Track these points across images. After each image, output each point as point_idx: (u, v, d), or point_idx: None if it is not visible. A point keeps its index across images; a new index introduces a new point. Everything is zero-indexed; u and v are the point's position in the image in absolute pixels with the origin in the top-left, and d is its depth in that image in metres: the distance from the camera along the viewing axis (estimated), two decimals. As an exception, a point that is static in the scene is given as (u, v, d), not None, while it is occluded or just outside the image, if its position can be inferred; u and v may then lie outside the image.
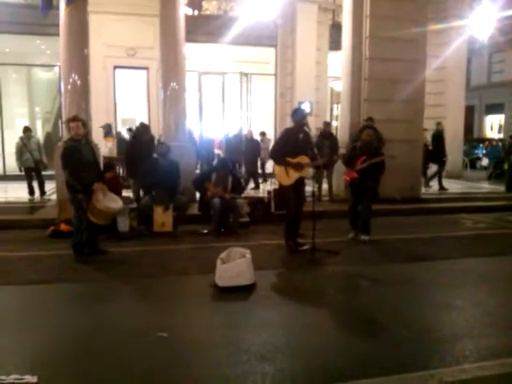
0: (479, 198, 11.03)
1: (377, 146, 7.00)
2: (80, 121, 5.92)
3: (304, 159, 6.12)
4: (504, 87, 22.77)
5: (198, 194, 8.18)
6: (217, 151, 14.66)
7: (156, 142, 8.88)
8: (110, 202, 5.98)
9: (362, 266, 5.71)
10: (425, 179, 12.20)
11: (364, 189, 6.77)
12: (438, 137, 12.29)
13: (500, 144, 17.43)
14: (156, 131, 11.83)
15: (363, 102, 10.24)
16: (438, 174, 12.24)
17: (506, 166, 12.87)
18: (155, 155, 7.78)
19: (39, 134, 15.12)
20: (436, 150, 12.19)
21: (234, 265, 4.68)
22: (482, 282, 5.10)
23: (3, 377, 2.82)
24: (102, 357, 3.27)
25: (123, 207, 6.54)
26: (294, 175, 6.10)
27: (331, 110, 17.38)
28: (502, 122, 20.17)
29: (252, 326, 3.80)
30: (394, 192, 9.72)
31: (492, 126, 21.96)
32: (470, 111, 21.79)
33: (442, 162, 12.25)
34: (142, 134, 8.70)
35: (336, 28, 14.04)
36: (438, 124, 12.50)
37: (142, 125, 9.02)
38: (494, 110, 23.89)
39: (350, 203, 7.03)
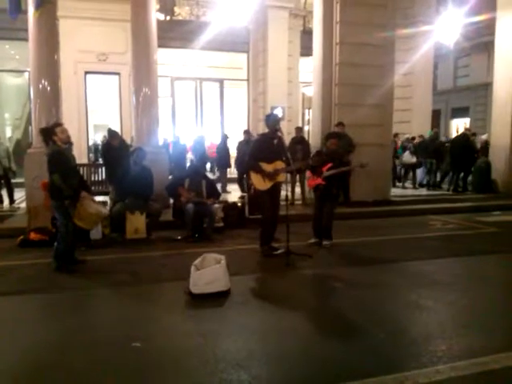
0: (448, 200, 11.32)
1: (342, 152, 7.06)
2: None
3: (279, 164, 6.18)
4: (469, 91, 23.43)
5: (171, 200, 8.15)
6: (189, 156, 14.66)
7: (131, 148, 8.83)
8: (98, 206, 6.12)
9: (336, 268, 5.79)
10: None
11: (328, 195, 6.81)
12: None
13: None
14: (128, 137, 11.78)
15: (334, 107, 10.41)
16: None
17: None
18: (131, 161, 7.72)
19: (8, 140, 14.77)
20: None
21: (209, 271, 4.67)
22: (452, 282, 5.21)
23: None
24: (75, 368, 3.22)
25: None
26: (270, 181, 6.17)
27: (303, 114, 17.60)
28: (468, 126, 20.75)
29: (227, 333, 3.80)
30: (365, 195, 9.92)
31: (458, 129, 22.54)
32: (436, 115, 22.36)
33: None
34: (111, 139, 8.63)
35: (307, 34, 14.23)
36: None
37: (110, 131, 8.94)
38: (459, 113, 24.54)
39: (315, 209, 6.97)
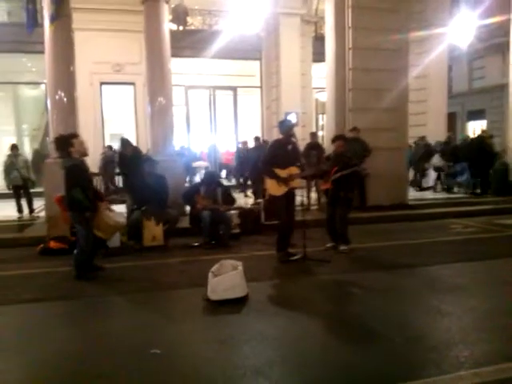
0: (467, 203, 11.18)
1: (349, 156, 6.96)
2: None
3: (293, 170, 6.17)
4: (485, 93, 23.14)
5: (188, 208, 8.20)
6: (204, 164, 14.80)
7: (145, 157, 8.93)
8: (116, 216, 6.28)
9: (354, 274, 5.74)
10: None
11: (337, 199, 6.75)
12: None
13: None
14: (144, 146, 11.90)
15: (348, 112, 10.39)
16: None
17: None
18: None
19: (27, 151, 15.06)
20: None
21: (227, 277, 4.68)
22: (474, 286, 5.14)
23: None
24: (95, 375, 3.24)
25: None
26: (285, 186, 6.16)
27: (317, 120, 17.58)
28: (485, 128, 20.48)
29: (246, 340, 3.79)
30: (381, 199, 9.86)
31: (474, 132, 22.26)
32: (452, 118, 22.10)
33: None
34: (123, 148, 8.73)
35: (319, 40, 14.26)
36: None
37: (122, 140, 9.03)
38: (475, 116, 24.22)
39: (328, 214, 6.93)
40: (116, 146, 13.83)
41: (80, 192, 5.43)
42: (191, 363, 3.40)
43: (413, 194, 12.20)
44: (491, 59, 22.23)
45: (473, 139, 13.50)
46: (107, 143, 15.16)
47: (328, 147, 10.55)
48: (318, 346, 3.67)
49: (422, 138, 13.95)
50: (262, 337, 3.83)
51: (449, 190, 13.22)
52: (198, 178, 14.34)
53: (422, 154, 13.50)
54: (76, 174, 5.51)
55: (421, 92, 15.88)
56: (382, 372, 3.17)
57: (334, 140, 6.99)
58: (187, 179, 12.50)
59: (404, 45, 10.45)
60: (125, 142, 8.79)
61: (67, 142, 5.58)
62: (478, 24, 15.69)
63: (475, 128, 22.99)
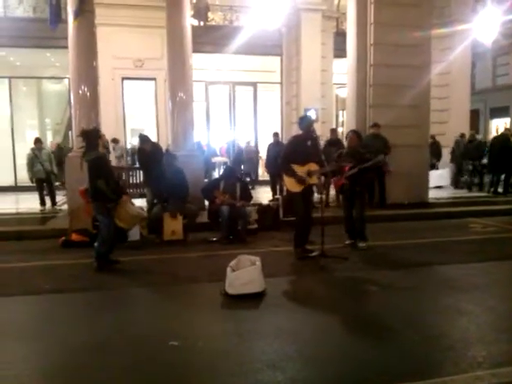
0: (487, 202, 11.02)
1: (363, 151, 6.90)
2: None
3: (313, 166, 6.16)
4: (509, 90, 22.67)
5: (206, 202, 8.27)
6: (224, 159, 14.89)
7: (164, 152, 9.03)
8: (137, 208, 6.53)
9: (371, 271, 5.73)
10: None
11: (354, 194, 6.71)
12: None
13: None
14: (164, 140, 12.01)
15: (369, 109, 10.32)
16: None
17: None
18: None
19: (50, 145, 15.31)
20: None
21: (245, 272, 4.73)
22: (493, 286, 5.09)
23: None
24: (115, 366, 3.31)
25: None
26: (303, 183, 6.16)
27: (337, 116, 17.47)
28: (508, 126, 20.04)
29: (263, 334, 3.82)
30: (401, 197, 9.78)
31: (497, 129, 21.83)
32: (475, 115, 21.71)
33: None
34: (142, 144, 8.83)
35: (340, 36, 14.17)
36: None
37: (141, 136, 9.13)
38: (499, 113, 23.76)
39: (345, 211, 6.92)
40: (135, 141, 14.02)
41: (104, 183, 5.61)
42: (208, 356, 3.45)
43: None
44: (516, 56, 21.77)
45: (496, 137, 13.25)
46: (128, 138, 15.33)
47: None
48: (335, 342, 3.68)
49: (463, 135, 13.79)
50: (278, 332, 3.86)
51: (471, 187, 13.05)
52: (216, 174, 14.45)
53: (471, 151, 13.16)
54: (100, 165, 5.71)
55: (443, 88, 15.65)
56: (399, 369, 3.17)
57: (347, 136, 6.99)
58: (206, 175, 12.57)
59: (426, 41, 10.32)
60: (143, 138, 8.89)
61: (97, 135, 5.84)
62: (503, 20, 15.36)
63: (498, 126, 22.58)
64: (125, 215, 6.04)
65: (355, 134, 7.03)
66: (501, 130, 15.88)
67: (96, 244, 5.87)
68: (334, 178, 6.90)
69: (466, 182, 13.48)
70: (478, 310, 4.33)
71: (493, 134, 22.05)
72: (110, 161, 6.14)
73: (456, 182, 13.91)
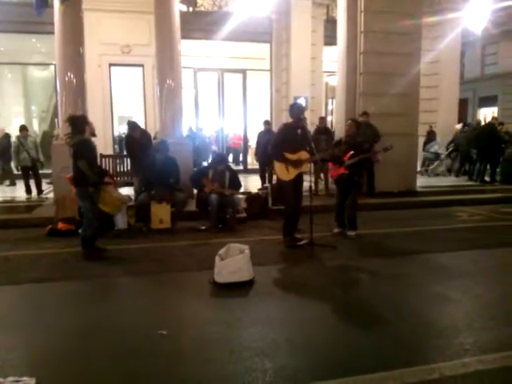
0: (475, 191, 11.11)
1: (361, 140, 6.90)
2: None
3: (303, 155, 6.14)
4: (497, 79, 22.80)
5: (195, 191, 8.21)
6: (213, 147, 14.79)
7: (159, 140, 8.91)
8: (120, 193, 6.55)
9: (360, 259, 5.75)
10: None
11: (352, 184, 6.71)
12: None
13: None
14: (152, 128, 11.88)
15: (358, 97, 10.29)
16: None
17: None
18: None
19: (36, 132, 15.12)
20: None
21: (233, 261, 4.71)
22: (480, 274, 5.13)
23: (0, 379, 2.83)
24: (102, 355, 3.28)
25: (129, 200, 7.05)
26: (294, 171, 6.14)
27: (326, 104, 17.41)
28: (496, 115, 20.21)
29: (252, 322, 3.83)
30: (389, 185, 9.81)
31: (485, 118, 21.99)
32: (463, 104, 21.83)
33: None
34: (131, 131, 8.71)
35: (330, 23, 14.07)
36: None
37: (129, 123, 9.01)
38: (487, 102, 23.92)
39: (338, 199, 6.91)
40: (123, 129, 13.86)
41: (85, 164, 5.59)
42: (198, 344, 3.44)
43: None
44: (505, 45, 21.87)
45: (483, 126, 13.31)
46: (115, 126, 15.13)
47: (338, 132, 10.52)
48: (324, 330, 3.70)
49: (465, 125, 13.91)
50: (268, 320, 3.87)
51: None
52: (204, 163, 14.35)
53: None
54: (83, 148, 5.68)
55: (432, 77, 15.68)
56: (387, 356, 3.19)
57: (347, 123, 6.99)
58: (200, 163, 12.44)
59: (417, 29, 10.27)
60: (132, 125, 8.77)
61: (84, 121, 5.81)
62: (493, 8, 15.37)
63: (486, 115, 22.73)
64: (108, 199, 6.08)
65: (354, 122, 7.02)
66: (488, 119, 15.95)
67: (80, 230, 5.87)
68: (332, 165, 6.88)
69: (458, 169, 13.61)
70: (466, 298, 4.38)
71: (481, 123, 22.25)
72: (95, 146, 6.02)
73: (457, 171, 13.91)
